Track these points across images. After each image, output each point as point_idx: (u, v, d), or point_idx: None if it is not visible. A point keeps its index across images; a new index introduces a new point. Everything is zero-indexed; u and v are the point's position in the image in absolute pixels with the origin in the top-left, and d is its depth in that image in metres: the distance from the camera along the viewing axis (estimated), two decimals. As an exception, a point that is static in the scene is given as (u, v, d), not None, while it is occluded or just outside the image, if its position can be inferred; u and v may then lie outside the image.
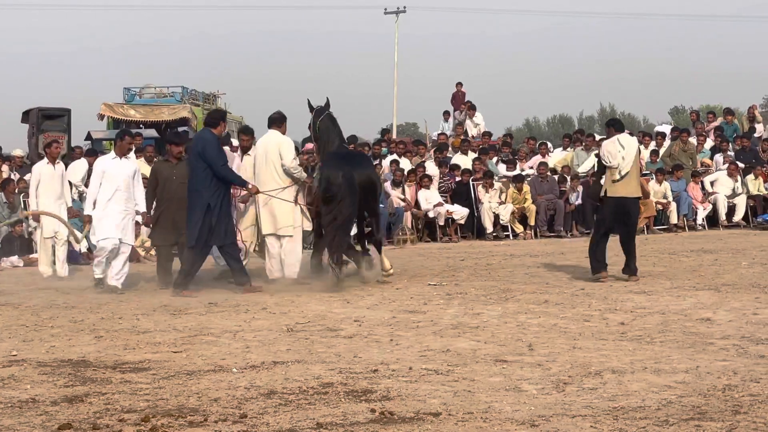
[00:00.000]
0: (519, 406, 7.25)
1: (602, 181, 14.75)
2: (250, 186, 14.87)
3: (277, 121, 15.37)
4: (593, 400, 7.37)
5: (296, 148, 16.26)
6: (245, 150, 15.81)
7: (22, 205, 19.88)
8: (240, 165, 15.56)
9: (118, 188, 14.70)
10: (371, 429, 6.66)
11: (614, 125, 15.14)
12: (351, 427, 6.72)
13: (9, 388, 8.19)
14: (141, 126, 30.15)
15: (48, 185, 17.12)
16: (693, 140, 27.72)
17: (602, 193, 14.71)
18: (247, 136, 16.00)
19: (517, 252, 19.96)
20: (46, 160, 17.46)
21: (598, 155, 15.05)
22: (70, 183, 18.78)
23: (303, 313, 12.09)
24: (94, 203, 14.76)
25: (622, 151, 14.56)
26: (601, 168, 14.78)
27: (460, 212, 23.76)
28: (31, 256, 19.17)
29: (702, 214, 25.69)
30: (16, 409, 7.44)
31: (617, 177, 14.52)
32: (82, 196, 20.14)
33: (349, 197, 14.32)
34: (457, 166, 25.27)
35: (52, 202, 17.02)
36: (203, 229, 14.12)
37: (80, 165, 21.46)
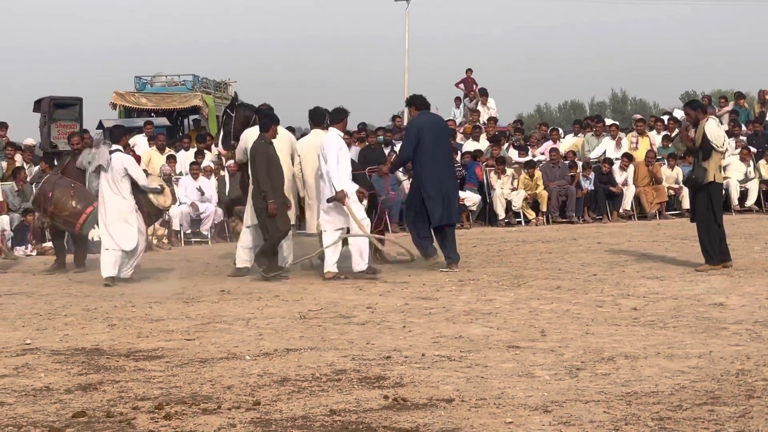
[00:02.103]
0: (532, 392, 7.25)
1: (706, 165, 13.98)
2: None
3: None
4: (606, 386, 7.37)
5: None
6: None
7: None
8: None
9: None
10: (384, 416, 6.67)
11: (701, 107, 14.71)
12: (364, 414, 6.73)
13: (23, 376, 8.23)
14: (152, 114, 30.17)
15: None
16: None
17: (709, 179, 13.97)
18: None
19: (529, 238, 19.94)
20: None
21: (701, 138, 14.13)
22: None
23: (316, 301, 12.10)
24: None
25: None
26: (707, 152, 14.00)
27: (471, 198, 23.72)
28: (44, 245, 19.21)
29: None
30: (30, 397, 7.47)
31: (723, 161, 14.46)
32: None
33: None
34: (480, 152, 25.15)
35: None
36: None
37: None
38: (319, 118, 15.21)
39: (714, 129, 14.14)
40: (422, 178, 15.02)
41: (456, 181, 16.46)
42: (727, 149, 14.35)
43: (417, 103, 15.48)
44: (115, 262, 14.22)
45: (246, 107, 15.99)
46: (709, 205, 14.10)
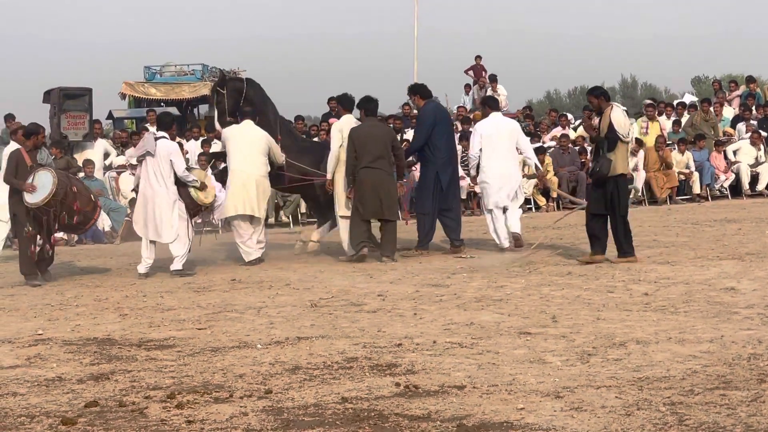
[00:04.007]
0: (543, 377, 7.25)
1: (611, 156, 13.30)
2: None
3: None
4: (618, 371, 7.36)
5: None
6: None
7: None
8: None
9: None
10: (396, 403, 6.67)
11: (604, 94, 13.81)
12: (376, 401, 6.73)
13: (35, 366, 8.25)
14: (162, 104, 30.18)
15: None
16: (713, 110, 27.56)
17: (617, 171, 13.38)
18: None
19: (539, 224, 19.91)
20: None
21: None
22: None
23: (326, 289, 12.10)
24: None
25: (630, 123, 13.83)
26: (612, 142, 13.30)
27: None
28: (55, 236, 19.20)
29: (725, 183, 25.57)
30: (42, 387, 7.49)
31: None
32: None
33: None
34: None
35: None
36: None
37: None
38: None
39: (620, 117, 13.36)
40: (439, 165, 15.27)
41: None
42: (632, 139, 13.60)
43: (422, 92, 15.61)
44: (151, 255, 14.18)
45: (236, 80, 16.08)
46: (615, 199, 13.37)
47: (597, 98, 13.64)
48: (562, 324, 9.29)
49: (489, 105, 16.16)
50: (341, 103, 15.56)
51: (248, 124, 15.25)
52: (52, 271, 14.19)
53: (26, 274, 13.65)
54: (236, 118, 15.63)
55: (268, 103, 16.23)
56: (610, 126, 13.27)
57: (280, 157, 15.37)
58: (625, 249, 13.50)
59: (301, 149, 16.09)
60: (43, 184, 13.59)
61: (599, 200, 13.47)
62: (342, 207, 15.04)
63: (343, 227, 15.09)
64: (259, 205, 15.05)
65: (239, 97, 15.70)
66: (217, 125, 16.38)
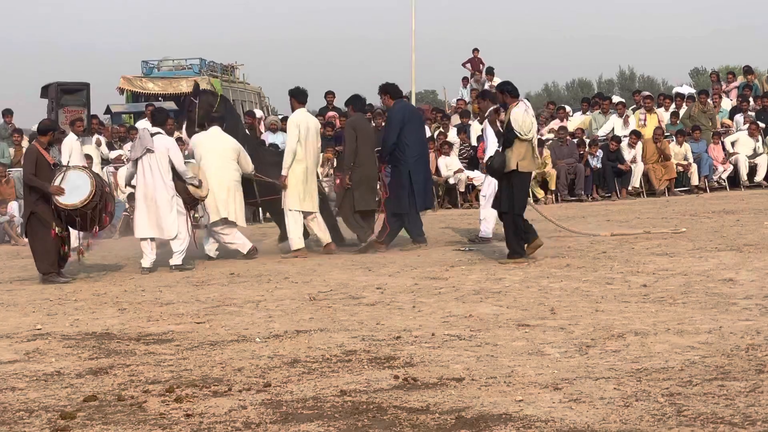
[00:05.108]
0: (542, 369, 7.25)
1: (508, 153, 13.16)
2: None
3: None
4: (616, 363, 7.37)
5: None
6: None
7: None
8: None
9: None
10: (395, 395, 6.68)
11: (510, 91, 13.46)
12: (375, 394, 6.74)
13: (34, 361, 8.26)
14: (160, 99, 30.15)
15: (78, 160, 17.16)
16: (712, 101, 27.55)
17: (510, 167, 13.16)
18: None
19: (538, 217, 19.91)
20: (74, 135, 17.47)
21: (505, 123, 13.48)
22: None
23: (325, 282, 12.11)
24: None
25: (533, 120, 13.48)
26: (509, 139, 13.20)
27: (480, 178, 23.68)
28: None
29: (723, 174, 25.56)
30: (41, 382, 7.50)
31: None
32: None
33: None
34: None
35: None
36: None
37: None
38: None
39: (519, 115, 13.14)
40: (411, 164, 15.32)
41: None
42: (533, 137, 13.32)
43: (392, 91, 15.69)
44: (152, 251, 14.16)
45: (210, 94, 16.31)
46: (510, 195, 13.28)
47: (502, 94, 13.64)
48: (560, 316, 9.30)
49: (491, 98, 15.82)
50: (295, 97, 15.51)
51: (216, 131, 15.34)
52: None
53: (46, 273, 13.36)
54: (204, 128, 15.64)
55: (238, 120, 16.64)
56: (508, 123, 13.25)
57: (248, 166, 15.44)
58: (514, 248, 13.32)
59: (269, 163, 16.10)
60: (77, 186, 13.28)
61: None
62: (294, 201, 15.03)
63: (292, 221, 15.11)
64: (237, 210, 15.17)
65: (210, 110, 15.79)
66: (184, 134, 16.52)
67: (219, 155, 14.99)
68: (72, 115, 21.14)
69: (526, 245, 13.35)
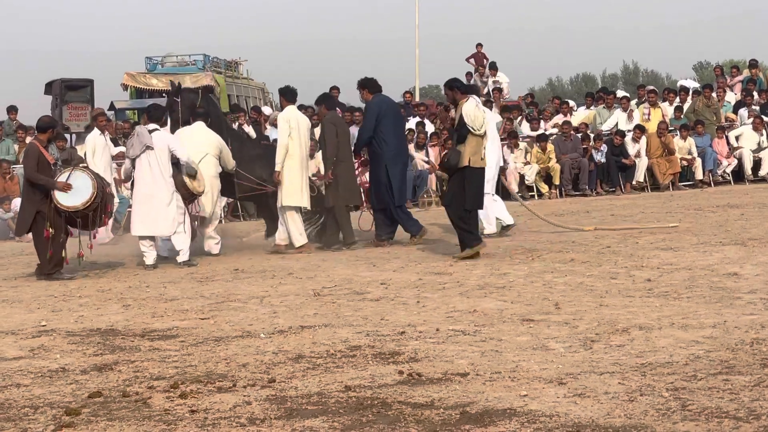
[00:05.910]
0: (546, 364, 7.25)
1: (461, 149, 13.18)
2: None
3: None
4: (621, 357, 7.36)
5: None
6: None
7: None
8: None
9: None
10: (399, 391, 6.68)
11: (459, 87, 13.58)
12: (379, 390, 6.74)
13: (39, 357, 8.27)
14: (164, 95, 30.14)
15: (101, 156, 17.20)
16: (716, 95, 27.51)
17: (464, 163, 13.15)
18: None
19: (542, 211, 19.91)
20: (98, 131, 17.51)
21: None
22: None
23: (329, 277, 12.11)
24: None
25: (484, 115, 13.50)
26: (462, 134, 13.22)
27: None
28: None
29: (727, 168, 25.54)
30: (46, 378, 7.50)
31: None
32: None
33: None
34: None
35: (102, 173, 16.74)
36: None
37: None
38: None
39: (471, 110, 13.16)
40: (388, 158, 15.39)
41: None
42: (485, 132, 13.34)
43: (370, 86, 15.79)
44: (152, 248, 14.12)
45: (191, 91, 16.40)
46: (461, 190, 13.25)
47: (452, 90, 13.60)
48: (565, 311, 9.29)
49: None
50: (284, 95, 15.54)
51: (200, 126, 15.42)
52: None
53: (49, 273, 13.27)
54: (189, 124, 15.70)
55: (221, 117, 16.72)
56: (461, 118, 13.24)
57: (230, 163, 15.52)
58: (466, 242, 13.32)
59: (251, 157, 16.14)
60: (78, 187, 13.19)
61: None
62: (289, 197, 14.99)
63: (289, 217, 15.07)
64: (211, 205, 15.22)
65: (193, 107, 15.86)
66: None
67: (200, 148, 15.02)
68: (94, 111, 21.15)
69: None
